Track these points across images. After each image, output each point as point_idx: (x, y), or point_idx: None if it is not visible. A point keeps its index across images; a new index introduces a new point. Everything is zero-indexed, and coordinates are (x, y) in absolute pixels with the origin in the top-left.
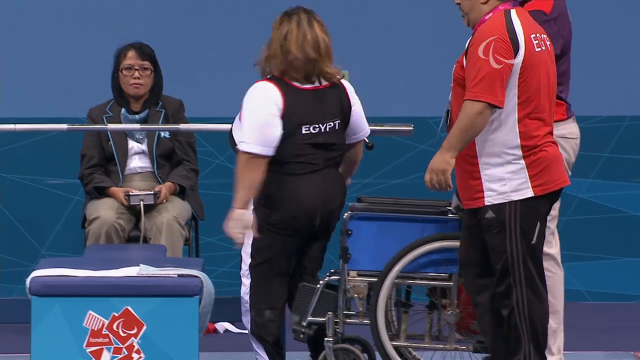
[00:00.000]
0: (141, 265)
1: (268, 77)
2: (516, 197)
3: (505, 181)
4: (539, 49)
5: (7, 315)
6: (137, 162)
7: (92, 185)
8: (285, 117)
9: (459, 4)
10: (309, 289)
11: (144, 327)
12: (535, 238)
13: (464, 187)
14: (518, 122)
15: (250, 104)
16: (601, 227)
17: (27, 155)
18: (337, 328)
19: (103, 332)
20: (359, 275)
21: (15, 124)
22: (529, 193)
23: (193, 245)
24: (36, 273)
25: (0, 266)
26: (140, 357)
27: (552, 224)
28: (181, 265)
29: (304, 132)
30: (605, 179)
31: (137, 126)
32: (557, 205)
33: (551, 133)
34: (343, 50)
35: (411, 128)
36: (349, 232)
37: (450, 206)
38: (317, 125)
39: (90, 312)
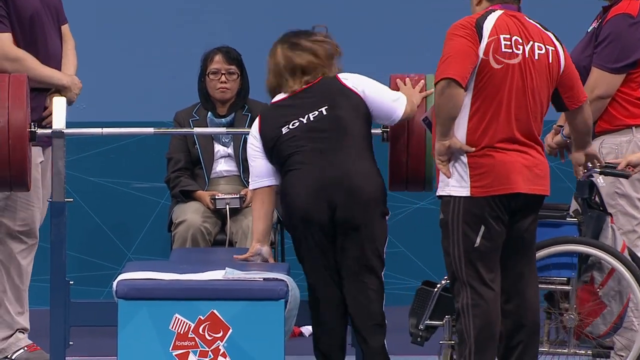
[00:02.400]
0: (227, 268)
1: None
2: (455, 193)
3: (451, 174)
4: (508, 50)
5: (94, 318)
6: (223, 166)
7: (179, 188)
8: (262, 134)
9: None
10: (426, 293)
11: (230, 331)
12: (478, 240)
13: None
14: (469, 120)
15: None
16: None
17: (114, 159)
18: (454, 331)
19: (189, 336)
20: None
21: (102, 127)
22: (467, 192)
23: (279, 249)
24: (123, 276)
25: (87, 269)
26: None
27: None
28: (267, 269)
29: (284, 132)
30: None
31: (223, 130)
32: None
33: (509, 141)
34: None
35: None
36: None
37: (569, 209)
38: (296, 121)
39: (177, 315)
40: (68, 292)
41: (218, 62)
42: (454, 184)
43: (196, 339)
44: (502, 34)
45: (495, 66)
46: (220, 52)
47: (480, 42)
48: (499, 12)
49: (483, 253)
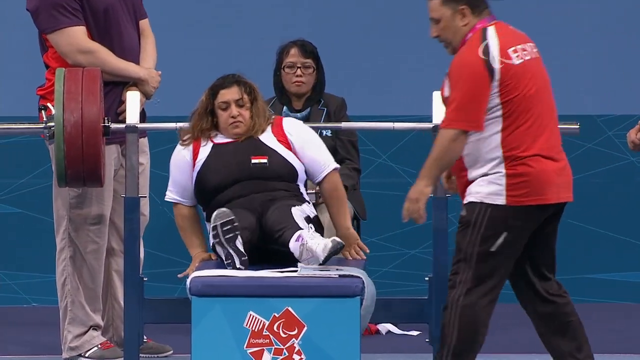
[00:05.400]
0: (301, 265)
1: None
2: (488, 200)
3: (483, 185)
4: (520, 60)
5: (168, 315)
6: None
7: None
8: None
9: (437, 36)
10: None
11: (305, 328)
12: (496, 246)
13: (461, 194)
14: (502, 132)
15: None
16: None
17: None
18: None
19: (264, 333)
20: None
21: (176, 122)
22: (501, 201)
23: None
24: (197, 273)
25: (161, 266)
26: (301, 358)
27: None
28: (342, 265)
29: None
30: None
31: None
32: None
33: (547, 148)
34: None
35: (577, 126)
36: None
37: None
38: None
39: (251, 312)
40: (142, 289)
41: (294, 55)
42: (487, 192)
43: (271, 336)
44: (509, 49)
45: (515, 79)
46: (296, 45)
47: (492, 77)
48: (491, 29)
49: (497, 260)
